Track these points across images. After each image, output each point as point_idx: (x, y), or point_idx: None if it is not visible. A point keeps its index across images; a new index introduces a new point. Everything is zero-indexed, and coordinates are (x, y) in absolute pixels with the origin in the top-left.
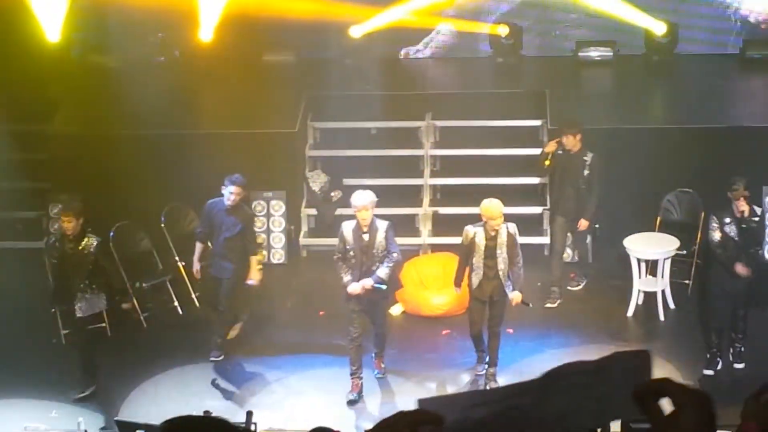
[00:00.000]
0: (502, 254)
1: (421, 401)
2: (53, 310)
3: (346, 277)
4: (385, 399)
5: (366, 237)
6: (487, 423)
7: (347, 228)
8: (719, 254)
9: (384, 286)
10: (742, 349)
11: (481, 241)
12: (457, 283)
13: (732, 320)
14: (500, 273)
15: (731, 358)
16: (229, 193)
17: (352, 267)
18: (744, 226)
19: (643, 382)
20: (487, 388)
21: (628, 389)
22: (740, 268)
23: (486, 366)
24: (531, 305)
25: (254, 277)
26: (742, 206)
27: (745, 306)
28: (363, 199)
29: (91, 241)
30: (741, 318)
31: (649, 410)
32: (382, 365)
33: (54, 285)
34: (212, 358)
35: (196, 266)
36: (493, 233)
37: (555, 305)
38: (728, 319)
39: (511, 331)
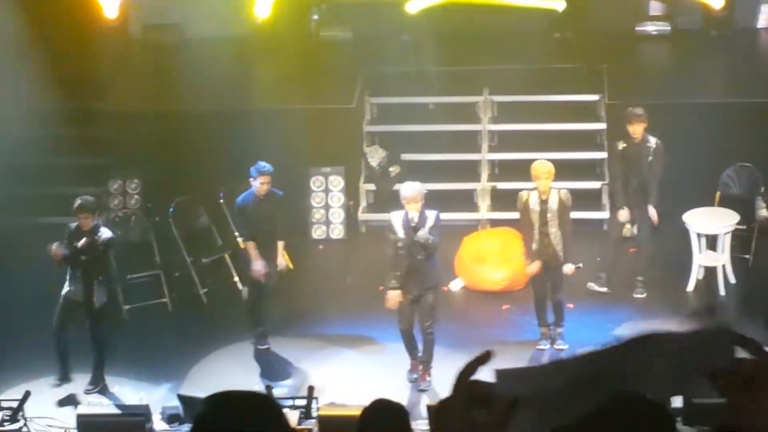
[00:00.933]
0: (553, 219)
1: (498, 372)
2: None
3: (393, 283)
4: (448, 375)
5: (415, 227)
6: (569, 389)
7: (396, 220)
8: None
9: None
10: None
11: (535, 206)
12: (527, 253)
13: None
14: (552, 239)
15: None
16: (260, 183)
17: (402, 258)
18: None
19: (741, 336)
20: (555, 347)
21: (708, 364)
22: None
23: (548, 342)
24: (581, 265)
25: (281, 263)
26: None
27: None
28: (413, 191)
29: (102, 236)
30: None
31: (726, 384)
32: (428, 378)
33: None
34: (261, 347)
35: (259, 266)
36: (544, 197)
37: (643, 296)
38: None
39: (571, 305)
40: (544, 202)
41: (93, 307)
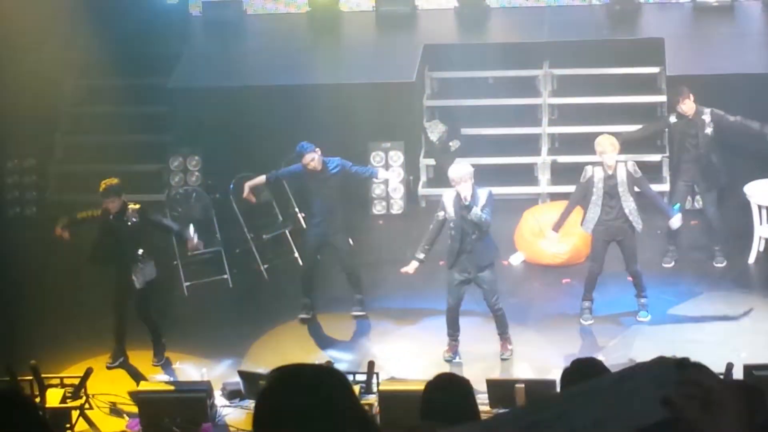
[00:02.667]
0: (625, 192)
1: None
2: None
3: (420, 255)
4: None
5: (468, 206)
6: None
7: (448, 199)
8: None
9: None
10: None
11: (600, 180)
12: (556, 226)
13: None
14: (626, 212)
15: None
16: (310, 161)
17: (451, 238)
18: None
19: (677, 374)
20: (638, 318)
21: (651, 394)
22: None
23: (591, 317)
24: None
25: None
26: None
27: None
28: (461, 172)
29: (132, 211)
30: None
31: (681, 410)
32: (510, 347)
33: (99, 257)
34: (300, 316)
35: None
36: (610, 171)
37: (671, 265)
38: None
39: (631, 278)
40: (610, 177)
41: (134, 289)
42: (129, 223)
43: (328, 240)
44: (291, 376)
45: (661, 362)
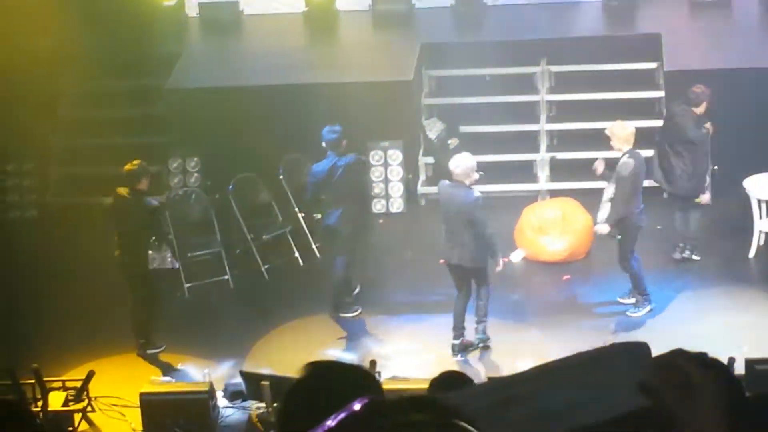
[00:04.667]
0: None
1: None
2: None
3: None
4: (508, 346)
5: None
6: (486, 414)
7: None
8: None
9: None
10: None
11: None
12: None
13: None
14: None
15: None
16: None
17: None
18: None
19: (655, 358)
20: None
21: (628, 379)
22: None
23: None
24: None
25: None
26: None
27: None
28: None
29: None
30: None
31: (659, 395)
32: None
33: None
34: (350, 314)
35: None
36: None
37: (682, 257)
38: None
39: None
40: (611, 167)
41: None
42: (147, 206)
43: (336, 229)
44: (325, 371)
45: (637, 344)
